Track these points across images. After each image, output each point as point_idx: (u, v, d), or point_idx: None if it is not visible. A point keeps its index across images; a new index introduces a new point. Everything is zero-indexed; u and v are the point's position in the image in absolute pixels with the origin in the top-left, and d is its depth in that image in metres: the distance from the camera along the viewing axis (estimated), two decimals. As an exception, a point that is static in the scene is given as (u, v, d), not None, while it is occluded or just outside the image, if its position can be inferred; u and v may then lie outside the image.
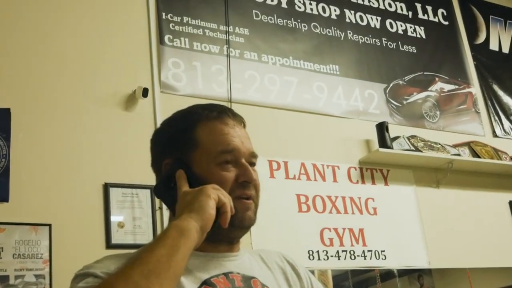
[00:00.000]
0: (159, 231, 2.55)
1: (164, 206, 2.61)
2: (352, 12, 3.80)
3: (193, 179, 1.10)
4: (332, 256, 2.96)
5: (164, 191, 1.14)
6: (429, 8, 4.21)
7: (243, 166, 1.13)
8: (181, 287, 1.03)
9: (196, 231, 0.99)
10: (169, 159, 1.15)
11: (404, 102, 3.72)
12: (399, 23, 3.99)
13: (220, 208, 1.04)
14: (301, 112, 3.27)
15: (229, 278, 1.11)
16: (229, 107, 1.25)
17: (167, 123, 1.23)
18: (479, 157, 3.65)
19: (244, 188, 1.13)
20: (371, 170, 3.32)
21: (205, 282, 1.08)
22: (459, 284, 3.43)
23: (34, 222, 2.35)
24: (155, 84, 2.88)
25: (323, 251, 2.94)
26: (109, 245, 2.45)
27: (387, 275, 3.20)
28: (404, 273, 3.28)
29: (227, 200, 1.05)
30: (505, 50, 4.52)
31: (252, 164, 1.16)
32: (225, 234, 1.11)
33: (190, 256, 0.99)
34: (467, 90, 4.06)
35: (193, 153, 1.13)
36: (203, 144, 1.14)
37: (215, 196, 1.03)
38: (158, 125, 2.70)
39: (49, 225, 2.36)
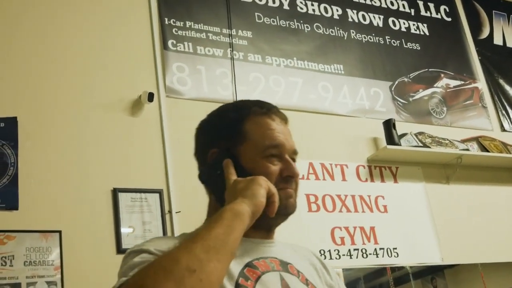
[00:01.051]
0: (169, 235, 2.54)
1: (174, 210, 2.62)
2: (355, 11, 3.80)
3: (240, 169, 1.15)
4: (344, 255, 2.94)
5: (210, 177, 1.20)
6: (431, 5, 4.20)
7: (287, 161, 1.19)
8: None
9: (248, 215, 1.05)
10: (216, 149, 1.21)
11: (410, 99, 3.71)
12: (402, 21, 3.99)
13: (269, 198, 1.10)
14: (307, 112, 3.26)
15: (269, 262, 1.17)
16: (270, 104, 1.26)
17: (216, 114, 1.28)
18: (488, 151, 3.63)
19: (286, 182, 1.19)
20: (380, 168, 3.31)
21: (248, 264, 1.14)
22: (473, 285, 3.40)
23: (44, 229, 2.35)
24: (160, 88, 2.88)
25: (334, 250, 2.92)
26: (119, 250, 2.44)
27: (400, 279, 3.18)
28: (418, 275, 3.26)
29: (275, 191, 1.11)
30: (510, 44, 4.50)
31: (293, 160, 1.22)
32: (267, 220, 1.15)
33: None
34: (473, 85, 4.05)
35: (241, 145, 1.19)
36: (251, 137, 1.19)
37: (265, 186, 1.10)
38: (165, 129, 2.76)
39: (59, 232, 2.36)
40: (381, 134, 3.30)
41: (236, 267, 1.12)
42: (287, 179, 1.19)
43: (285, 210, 1.18)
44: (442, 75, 3.94)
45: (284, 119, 1.26)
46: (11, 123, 2.47)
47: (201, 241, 0.96)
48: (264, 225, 1.19)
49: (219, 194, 1.15)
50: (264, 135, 1.19)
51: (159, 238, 1.17)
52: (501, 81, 4.23)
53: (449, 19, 4.24)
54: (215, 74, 3.09)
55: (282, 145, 1.19)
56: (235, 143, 1.20)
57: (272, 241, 1.24)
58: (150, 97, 2.74)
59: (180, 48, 3.05)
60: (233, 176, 1.15)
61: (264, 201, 1.08)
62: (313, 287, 1.21)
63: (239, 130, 1.20)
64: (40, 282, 2.23)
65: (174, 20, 3.10)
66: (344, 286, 1.34)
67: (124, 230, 2.49)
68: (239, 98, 3.05)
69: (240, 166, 1.16)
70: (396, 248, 3.09)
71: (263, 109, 1.23)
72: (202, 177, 1.23)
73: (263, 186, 1.09)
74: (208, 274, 0.94)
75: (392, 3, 4.01)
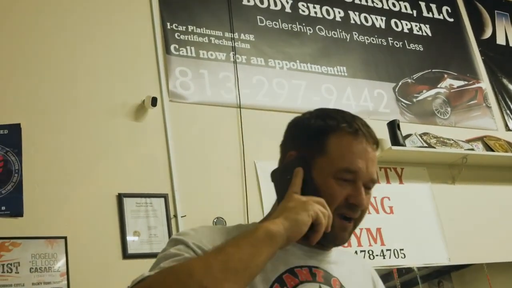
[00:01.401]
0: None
1: (179, 214, 2.61)
2: (357, 13, 3.80)
3: (308, 181, 1.13)
4: (350, 257, 2.92)
5: (278, 179, 1.18)
6: (433, 6, 4.19)
7: (358, 190, 1.13)
8: (266, 269, 1.07)
9: (282, 240, 1.02)
10: (294, 152, 1.18)
11: (414, 100, 3.70)
12: (404, 22, 3.98)
13: (314, 226, 1.06)
14: (311, 114, 3.24)
15: (312, 272, 1.15)
16: (362, 123, 1.19)
17: (307, 118, 1.22)
18: (493, 151, 3.61)
19: (350, 209, 1.14)
20: (385, 169, 3.29)
21: (289, 270, 1.12)
22: (479, 287, 3.39)
23: (50, 236, 2.34)
24: (163, 93, 2.88)
25: (341, 253, 2.90)
26: (125, 255, 2.44)
27: (408, 283, 3.16)
28: (424, 279, 3.24)
29: (325, 221, 1.07)
30: (513, 44, 4.49)
31: (368, 188, 1.16)
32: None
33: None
34: (476, 85, 4.03)
35: (318, 157, 1.15)
36: (330, 154, 1.14)
37: (314, 214, 1.05)
38: (169, 133, 2.75)
39: (65, 238, 2.35)
40: (385, 135, 3.28)
41: (275, 270, 1.11)
42: (351, 206, 1.13)
43: (333, 240, 1.15)
44: (446, 75, 3.93)
45: (373, 142, 1.18)
46: (15, 130, 2.46)
47: (222, 258, 0.94)
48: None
49: (280, 199, 1.14)
50: (344, 156, 1.14)
51: (205, 228, 1.15)
52: (505, 81, 4.21)
53: (452, 20, 4.23)
54: (218, 78, 3.08)
55: (359, 172, 1.13)
56: (314, 153, 1.15)
57: (323, 251, 1.20)
58: (154, 101, 2.73)
59: (182, 52, 3.05)
60: (295, 188, 1.11)
61: (305, 230, 1.04)
62: None
63: (321, 142, 1.16)
64: (46, 289, 2.22)
65: (176, 25, 3.10)
66: None
67: (129, 235, 2.48)
68: (242, 102, 3.04)
69: (310, 177, 1.13)
70: (403, 249, 3.07)
71: (351, 128, 1.16)
72: (272, 177, 1.20)
73: (310, 215, 1.05)
74: None
75: (394, 5, 4.00)
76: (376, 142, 1.19)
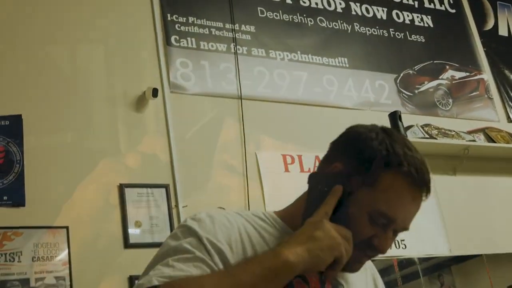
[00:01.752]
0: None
1: (180, 204, 2.62)
2: (358, 4, 3.79)
3: (343, 204, 1.05)
4: (351, 247, 2.92)
5: (314, 186, 1.10)
6: (435, -3, 4.19)
7: (387, 236, 1.07)
8: None
9: (299, 271, 0.97)
10: (342, 166, 1.08)
11: (416, 91, 3.70)
12: (405, 13, 3.97)
13: (333, 263, 1.00)
14: (312, 105, 3.25)
15: (321, 279, 1.09)
16: (426, 170, 1.07)
17: (372, 138, 1.09)
18: (494, 142, 3.61)
19: (371, 251, 1.08)
20: (386, 160, 3.29)
21: (300, 276, 1.05)
22: (479, 279, 3.39)
23: (51, 225, 2.35)
24: (164, 84, 2.88)
25: (342, 243, 2.91)
26: (127, 244, 2.45)
27: (408, 276, 3.16)
28: (425, 272, 3.24)
29: (344, 259, 1.01)
30: (515, 35, 4.48)
31: (395, 232, 1.09)
32: None
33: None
34: (478, 76, 4.02)
35: (365, 185, 1.05)
36: (378, 191, 1.05)
37: (338, 254, 0.99)
38: (170, 124, 2.76)
39: (67, 228, 2.36)
40: (387, 126, 3.28)
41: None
42: (373, 248, 1.07)
43: (346, 268, 1.07)
44: (447, 67, 3.92)
45: (426, 194, 1.08)
46: (16, 120, 2.48)
47: (232, 283, 0.92)
48: None
49: (307, 209, 1.07)
50: (390, 201, 1.04)
51: (225, 219, 1.05)
52: (507, 72, 4.20)
53: (453, 11, 4.22)
54: (218, 69, 3.08)
55: (395, 222, 1.05)
56: (361, 179, 1.05)
57: None
58: (155, 93, 2.74)
59: (183, 43, 3.05)
60: (328, 209, 1.04)
61: (323, 268, 0.99)
62: None
63: (375, 173, 1.05)
64: (48, 278, 2.24)
65: (177, 16, 3.10)
66: None
67: (131, 225, 2.50)
68: (243, 93, 3.04)
69: (346, 201, 1.05)
70: (403, 240, 3.07)
71: (412, 176, 1.04)
72: (311, 181, 1.12)
73: (334, 254, 0.99)
74: None
75: (395, -4, 4.00)
76: (427, 195, 1.08)
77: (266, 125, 3.02)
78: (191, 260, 0.96)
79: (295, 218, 1.10)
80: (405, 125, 3.29)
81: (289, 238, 1.01)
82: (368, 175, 1.05)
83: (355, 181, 1.06)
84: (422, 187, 1.06)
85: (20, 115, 2.50)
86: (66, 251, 2.32)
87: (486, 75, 4.06)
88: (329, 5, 3.67)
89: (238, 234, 1.03)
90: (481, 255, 3.33)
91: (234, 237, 1.02)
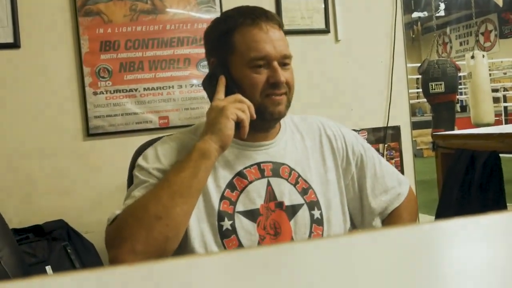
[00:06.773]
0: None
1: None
2: None
3: (231, 80, 1.26)
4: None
5: (207, 86, 1.31)
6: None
7: (274, 69, 1.25)
8: (218, 178, 1.24)
9: (216, 151, 1.17)
10: (214, 58, 1.32)
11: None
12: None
13: (239, 123, 1.19)
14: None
15: (260, 168, 1.28)
16: (260, 11, 1.28)
17: (212, 25, 1.35)
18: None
19: (274, 88, 1.26)
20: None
21: (239, 173, 1.26)
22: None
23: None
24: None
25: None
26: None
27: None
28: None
29: (246, 114, 1.20)
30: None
31: (285, 65, 1.28)
32: (259, 125, 1.27)
33: (230, 146, 1.21)
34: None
35: (231, 56, 1.27)
36: (239, 49, 1.26)
37: (233, 116, 1.18)
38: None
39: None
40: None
41: (226, 177, 1.25)
42: (273, 85, 1.25)
43: (271, 116, 1.27)
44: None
45: (276, 24, 1.28)
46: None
47: (167, 187, 1.12)
48: (258, 128, 1.28)
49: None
50: (250, 47, 1.24)
51: (168, 146, 1.27)
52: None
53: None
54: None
55: (267, 55, 1.24)
56: (226, 54, 1.27)
57: (270, 142, 1.32)
58: None
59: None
60: (219, 95, 1.24)
61: (231, 134, 1.18)
62: (303, 185, 1.29)
63: (228, 42, 1.27)
64: None
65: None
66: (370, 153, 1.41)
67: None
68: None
69: (231, 78, 1.26)
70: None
71: (248, 19, 1.26)
72: (203, 85, 1.33)
73: (229, 118, 1.17)
74: (174, 218, 1.09)
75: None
76: (278, 23, 1.29)
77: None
78: (148, 187, 1.18)
79: None
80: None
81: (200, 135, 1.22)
82: (227, 48, 1.27)
83: (225, 57, 1.28)
84: (263, 21, 1.26)
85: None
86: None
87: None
88: None
89: (177, 153, 1.25)
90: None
91: (176, 158, 1.23)
